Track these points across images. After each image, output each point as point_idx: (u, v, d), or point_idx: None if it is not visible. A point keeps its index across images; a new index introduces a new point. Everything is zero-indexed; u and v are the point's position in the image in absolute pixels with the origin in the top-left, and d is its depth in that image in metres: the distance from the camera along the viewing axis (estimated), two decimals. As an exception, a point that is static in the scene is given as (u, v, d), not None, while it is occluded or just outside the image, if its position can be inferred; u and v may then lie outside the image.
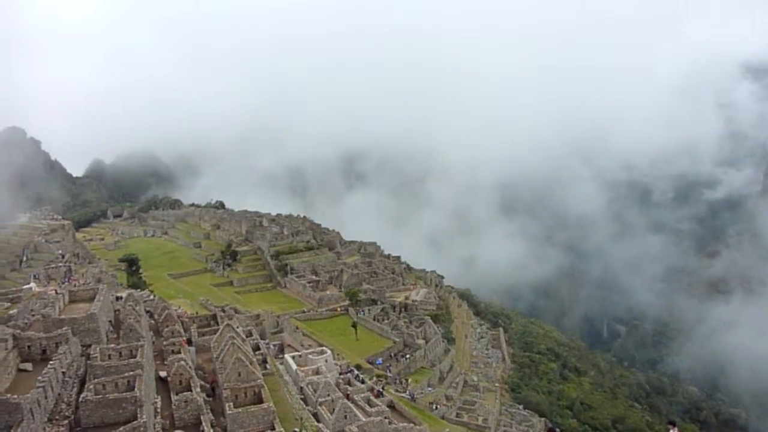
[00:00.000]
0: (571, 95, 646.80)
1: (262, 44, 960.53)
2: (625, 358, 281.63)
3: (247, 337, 64.76)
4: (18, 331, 45.61)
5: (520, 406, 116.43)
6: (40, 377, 37.90)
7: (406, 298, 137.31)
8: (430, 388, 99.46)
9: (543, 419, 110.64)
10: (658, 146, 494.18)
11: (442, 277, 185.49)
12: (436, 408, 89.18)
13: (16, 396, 33.66)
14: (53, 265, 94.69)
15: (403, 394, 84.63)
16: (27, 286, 76.52)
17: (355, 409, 53.96)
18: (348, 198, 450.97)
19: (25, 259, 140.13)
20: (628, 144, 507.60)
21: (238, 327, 63.52)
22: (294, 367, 64.98)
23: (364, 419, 52.06)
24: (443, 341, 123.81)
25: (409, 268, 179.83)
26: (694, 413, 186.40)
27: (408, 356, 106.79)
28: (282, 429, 44.41)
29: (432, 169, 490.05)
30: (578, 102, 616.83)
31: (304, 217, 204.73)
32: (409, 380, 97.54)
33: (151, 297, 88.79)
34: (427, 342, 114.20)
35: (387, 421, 53.40)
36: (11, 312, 57.47)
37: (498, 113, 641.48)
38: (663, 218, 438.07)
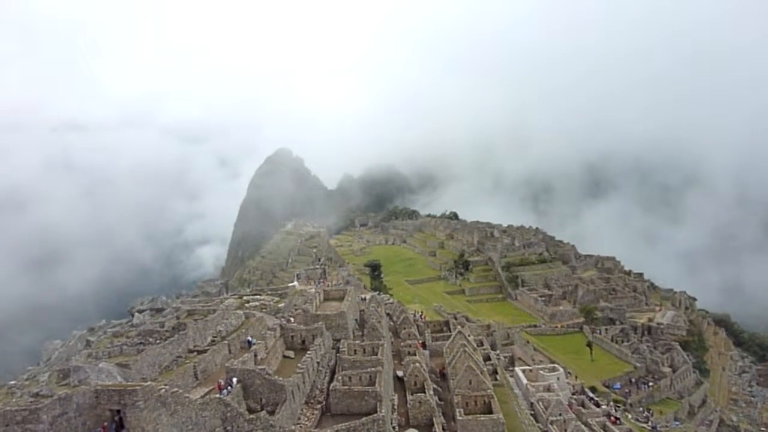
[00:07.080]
0: None
1: (499, 50, 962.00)
2: None
3: (478, 346, 66.05)
4: (284, 321, 53.55)
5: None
6: (300, 364, 43.96)
7: (650, 319, 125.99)
8: (677, 423, 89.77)
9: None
10: None
11: (694, 300, 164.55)
12: (685, 446, 79.98)
13: (281, 378, 39.60)
14: (311, 267, 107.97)
15: (644, 425, 78.08)
16: (291, 284, 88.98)
17: (588, 433, 51.31)
18: (587, 208, 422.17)
19: (290, 260, 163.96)
20: None
21: (469, 335, 65.25)
22: (524, 381, 64.19)
23: (598, 445, 49.23)
24: (694, 371, 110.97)
25: (653, 286, 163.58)
26: None
27: (651, 384, 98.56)
28: (510, 442, 44.43)
29: (692, 178, 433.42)
30: None
31: (537, 228, 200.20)
32: (652, 410, 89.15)
33: (391, 300, 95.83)
34: (674, 370, 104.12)
35: (625, 451, 49.73)
36: (280, 305, 67.24)
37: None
38: None
